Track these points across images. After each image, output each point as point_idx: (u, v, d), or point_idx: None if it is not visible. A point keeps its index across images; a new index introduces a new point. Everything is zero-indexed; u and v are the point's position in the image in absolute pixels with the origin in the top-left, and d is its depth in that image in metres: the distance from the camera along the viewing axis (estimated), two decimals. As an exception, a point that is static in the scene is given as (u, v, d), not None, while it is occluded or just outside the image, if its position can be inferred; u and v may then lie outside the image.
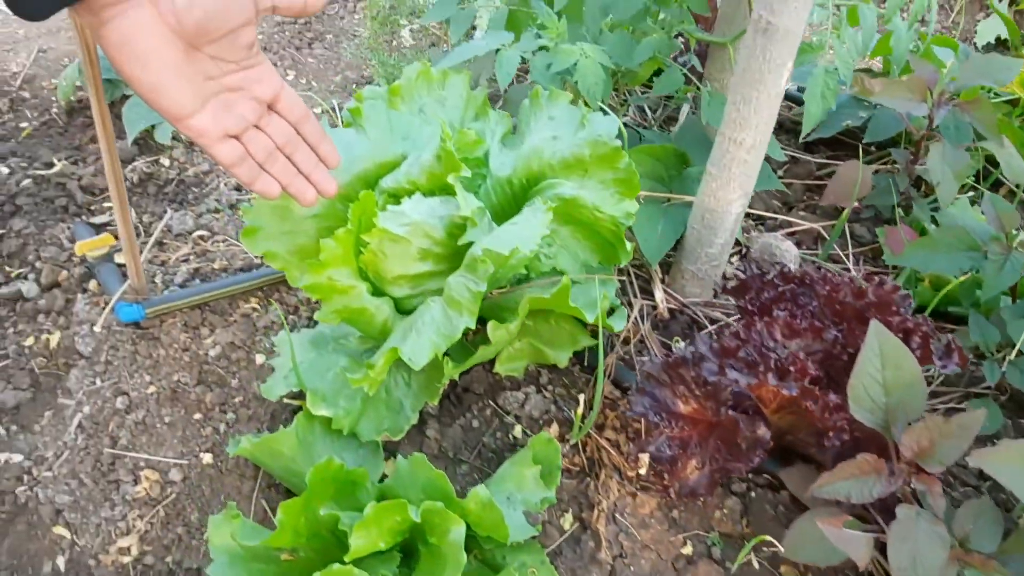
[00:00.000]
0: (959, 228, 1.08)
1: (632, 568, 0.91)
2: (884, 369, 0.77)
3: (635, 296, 1.22)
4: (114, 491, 1.04)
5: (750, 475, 0.98)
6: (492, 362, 1.07)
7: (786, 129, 1.68)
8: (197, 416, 1.10)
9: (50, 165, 1.47)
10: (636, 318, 1.17)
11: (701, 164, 1.33)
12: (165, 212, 1.39)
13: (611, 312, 1.05)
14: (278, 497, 1.03)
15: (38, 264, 1.26)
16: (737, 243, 1.34)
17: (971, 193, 1.45)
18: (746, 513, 0.94)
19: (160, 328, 1.16)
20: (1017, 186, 1.35)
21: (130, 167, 1.50)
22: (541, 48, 1.22)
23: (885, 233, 1.32)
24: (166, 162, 1.55)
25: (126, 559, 1.00)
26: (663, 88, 1.28)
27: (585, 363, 1.12)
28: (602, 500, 0.95)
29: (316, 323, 1.22)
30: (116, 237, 1.31)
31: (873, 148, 1.58)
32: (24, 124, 1.66)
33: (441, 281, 1.04)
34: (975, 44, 2.18)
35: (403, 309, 1.06)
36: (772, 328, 0.85)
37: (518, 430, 1.02)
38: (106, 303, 1.19)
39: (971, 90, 1.29)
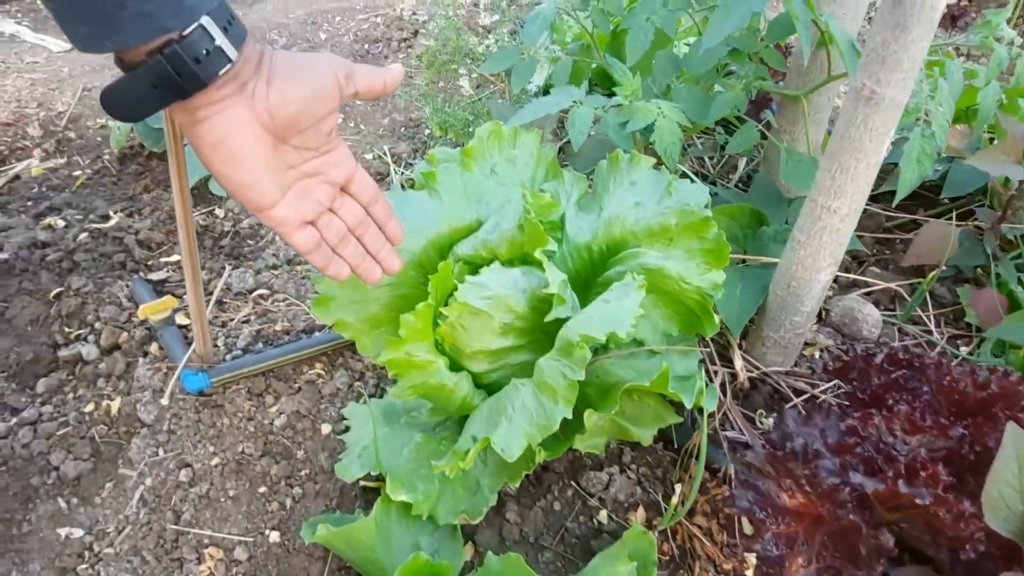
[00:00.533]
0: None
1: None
2: (1021, 475, 0.71)
3: (713, 363, 1.17)
4: (177, 570, 1.00)
5: (850, 566, 0.92)
6: (571, 437, 1.02)
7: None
8: (262, 490, 1.06)
9: (106, 218, 1.45)
10: (717, 388, 1.11)
11: (777, 222, 1.29)
12: (223, 269, 1.36)
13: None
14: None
15: (97, 325, 1.24)
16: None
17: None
18: (850, 610, 0.88)
19: (223, 395, 1.13)
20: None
21: (186, 219, 1.47)
22: (616, 105, 1.18)
23: (970, 296, 1.26)
24: (220, 213, 1.53)
25: (190, 644, 0.95)
26: (738, 145, 1.24)
27: (673, 440, 1.06)
28: (695, 593, 0.90)
29: (383, 390, 1.18)
30: (176, 296, 1.28)
31: (946, 200, 1.53)
32: (77, 172, 1.65)
33: (522, 356, 1.00)
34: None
35: (481, 383, 1.01)
36: (892, 423, 0.79)
37: (603, 515, 0.97)
38: (168, 368, 1.16)
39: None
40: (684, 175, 1.21)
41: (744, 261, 1.22)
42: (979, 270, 1.34)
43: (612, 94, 1.89)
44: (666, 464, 1.03)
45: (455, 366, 1.00)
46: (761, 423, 1.08)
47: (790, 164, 1.22)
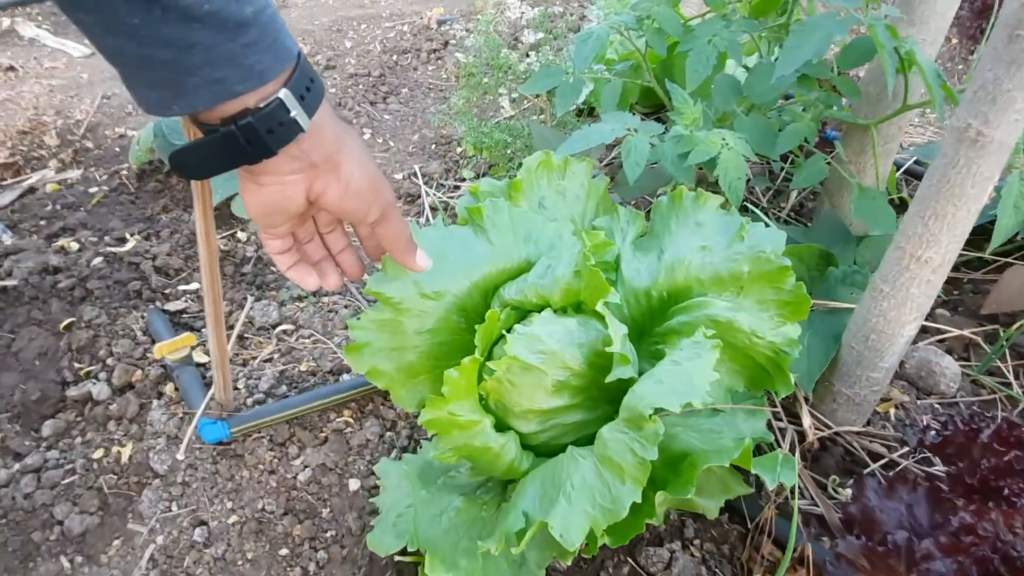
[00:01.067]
0: None
1: None
2: None
3: (778, 418, 1.06)
4: (190, 640, 0.91)
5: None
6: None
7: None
8: (283, 552, 0.97)
9: (122, 241, 1.37)
10: (786, 448, 1.01)
11: (845, 262, 1.19)
12: (245, 300, 1.27)
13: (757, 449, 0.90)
14: (378, 660, 0.89)
15: (109, 361, 1.15)
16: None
17: None
18: None
19: (243, 444, 1.04)
20: None
21: (205, 244, 1.39)
22: (676, 136, 1.09)
23: (1057, 347, 1.15)
24: (243, 236, 1.44)
25: None
26: (805, 180, 1.14)
27: (741, 512, 0.96)
28: None
29: (417, 442, 1.08)
30: (194, 329, 1.20)
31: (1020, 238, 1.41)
32: (93, 189, 1.57)
33: (575, 416, 0.90)
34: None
35: (529, 444, 0.92)
36: (1012, 519, 0.69)
37: (665, 599, 0.87)
38: (184, 412, 1.07)
39: None
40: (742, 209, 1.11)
41: (812, 307, 1.12)
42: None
43: (658, 117, 1.80)
44: (733, 540, 0.93)
45: (501, 425, 0.90)
46: (835, 491, 0.98)
47: (862, 201, 1.11)
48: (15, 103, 2.02)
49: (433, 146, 1.82)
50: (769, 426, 1.06)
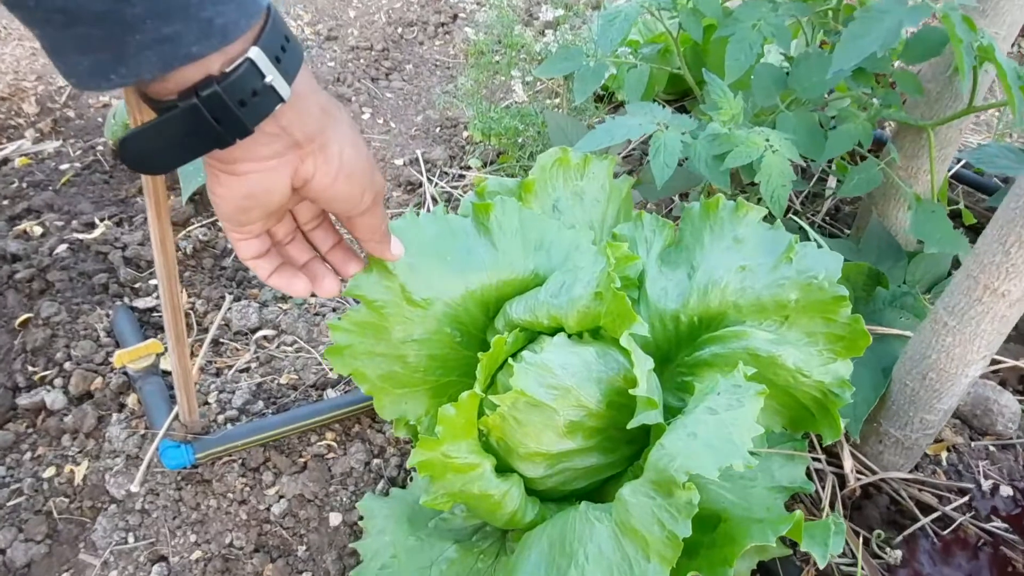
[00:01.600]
0: None
1: None
2: None
3: (815, 456, 0.94)
4: None
5: None
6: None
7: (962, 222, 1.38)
8: (253, 594, 0.86)
9: (91, 226, 1.24)
10: (825, 495, 0.89)
11: (894, 280, 1.06)
12: (223, 299, 1.15)
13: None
14: None
15: (67, 365, 1.03)
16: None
17: None
18: None
19: (211, 469, 0.92)
20: None
21: (183, 233, 1.26)
22: (712, 135, 0.95)
23: None
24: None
25: None
26: (857, 188, 1.01)
27: (773, 570, 0.84)
28: None
29: (407, 473, 0.97)
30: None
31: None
32: (65, 166, 1.44)
33: (589, 460, 0.78)
34: None
35: (535, 489, 0.80)
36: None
37: (687, 676, 0.75)
38: (146, 429, 0.95)
39: None
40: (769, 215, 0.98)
41: (855, 331, 0.99)
42: None
43: (681, 105, 1.66)
44: (765, 606, 0.81)
45: (502, 466, 0.79)
46: (879, 548, 0.86)
47: (920, 215, 0.98)
48: (-9, 67, 1.88)
49: (438, 129, 1.68)
50: (808, 470, 0.94)
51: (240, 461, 0.93)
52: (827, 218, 1.41)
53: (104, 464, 0.93)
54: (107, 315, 1.09)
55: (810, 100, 1.06)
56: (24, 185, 1.37)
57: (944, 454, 0.97)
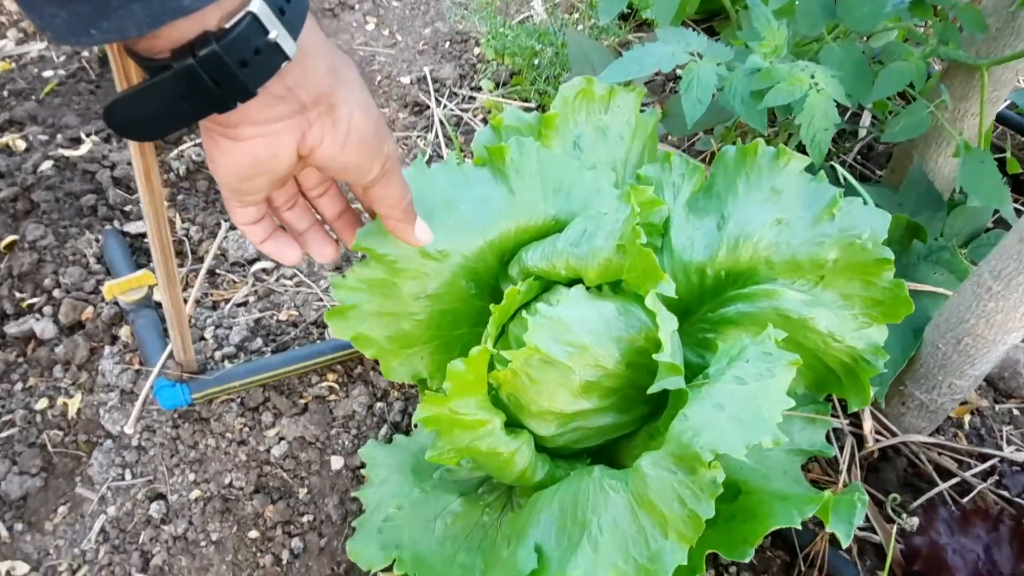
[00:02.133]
0: None
1: None
2: None
3: (833, 414, 0.91)
4: (145, 628, 0.80)
5: None
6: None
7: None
8: (253, 535, 0.84)
9: (77, 142, 1.17)
10: (842, 456, 0.87)
11: (932, 234, 1.00)
12: (218, 226, 1.08)
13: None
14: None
15: (56, 293, 0.98)
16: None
17: None
18: None
19: (209, 408, 0.89)
20: None
21: (175, 152, 1.18)
22: (752, 69, 0.86)
23: None
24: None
25: None
26: (903, 133, 0.93)
27: (790, 538, 0.82)
28: None
29: (411, 416, 0.94)
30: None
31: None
32: (48, 73, 1.34)
33: (603, 419, 0.75)
34: None
35: (545, 447, 0.77)
36: None
37: (692, 637, 0.75)
38: (140, 362, 0.92)
39: None
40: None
41: (885, 287, 0.94)
42: None
43: (710, 27, 1.54)
44: (776, 571, 0.80)
45: (512, 421, 0.75)
46: (893, 512, 0.84)
47: (969, 165, 0.91)
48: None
49: (447, 44, 1.56)
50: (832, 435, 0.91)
51: (239, 400, 0.90)
52: (859, 157, 1.33)
53: (98, 398, 0.90)
54: (96, 240, 1.04)
55: (857, 32, 0.96)
56: (5, 94, 1.28)
57: (967, 417, 0.94)
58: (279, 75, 0.43)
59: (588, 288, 0.75)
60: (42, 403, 0.91)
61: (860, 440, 0.90)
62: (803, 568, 0.78)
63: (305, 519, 0.85)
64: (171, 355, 0.86)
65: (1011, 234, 0.77)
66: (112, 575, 0.82)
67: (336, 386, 0.92)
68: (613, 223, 0.72)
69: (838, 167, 0.89)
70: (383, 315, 0.78)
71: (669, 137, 1.29)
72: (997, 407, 0.95)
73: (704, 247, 0.80)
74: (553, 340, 0.70)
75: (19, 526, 0.85)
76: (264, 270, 1.03)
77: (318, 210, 0.61)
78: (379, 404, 0.92)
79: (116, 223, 1.08)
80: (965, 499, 0.85)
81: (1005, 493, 0.85)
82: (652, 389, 0.66)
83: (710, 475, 0.57)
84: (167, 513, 0.85)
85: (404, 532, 0.74)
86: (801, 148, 0.92)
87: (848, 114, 1.36)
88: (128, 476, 0.86)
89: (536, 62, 1.29)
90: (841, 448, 0.88)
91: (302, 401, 0.91)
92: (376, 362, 0.95)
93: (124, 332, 0.95)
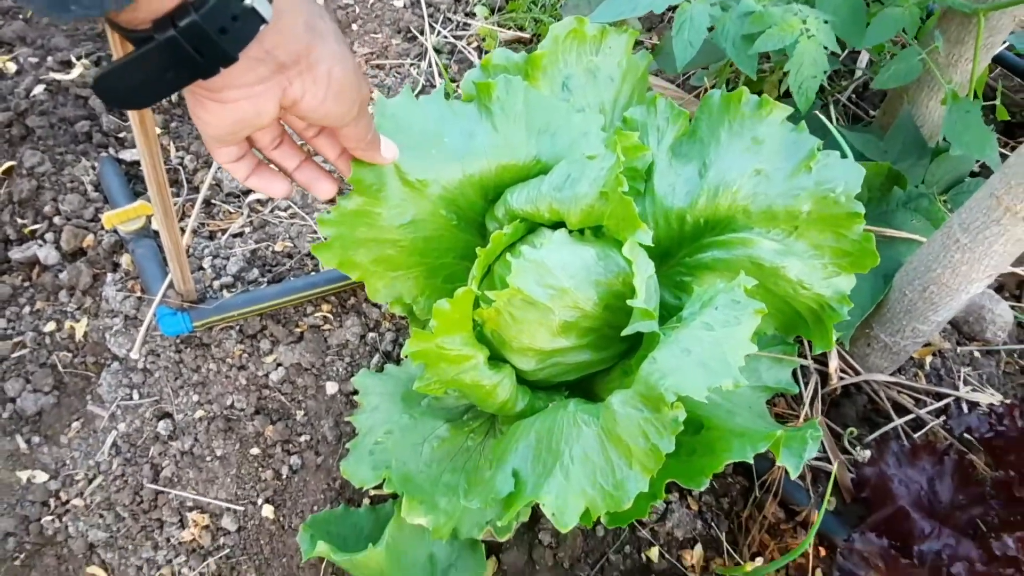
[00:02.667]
0: None
1: None
2: None
3: (800, 354, 0.96)
4: (157, 531, 0.88)
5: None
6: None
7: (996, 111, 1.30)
8: (254, 452, 0.91)
9: (67, 65, 1.16)
10: (804, 393, 0.92)
11: (913, 179, 1.02)
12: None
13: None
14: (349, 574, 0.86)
15: (56, 220, 1.01)
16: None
17: None
18: None
19: (210, 334, 0.94)
20: None
21: (168, 77, 1.18)
22: (744, 12, 0.86)
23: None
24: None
25: (172, 612, 0.85)
26: (893, 80, 0.94)
27: (748, 467, 0.89)
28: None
29: (402, 346, 0.98)
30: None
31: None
32: (33, -12, 1.31)
33: (580, 356, 0.80)
34: None
35: (526, 380, 0.82)
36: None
37: (654, 552, 0.82)
38: (142, 290, 0.95)
39: None
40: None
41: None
42: None
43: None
44: (735, 494, 0.87)
45: (496, 355, 0.80)
46: (850, 445, 0.91)
47: (954, 114, 0.92)
48: None
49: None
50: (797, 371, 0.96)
51: (238, 328, 0.94)
52: (854, 96, 1.33)
53: (103, 323, 0.95)
54: (93, 167, 1.05)
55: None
56: (-8, 10, 1.26)
57: (929, 358, 0.99)
58: (258, 39, 0.45)
59: (571, 232, 0.78)
60: (50, 326, 0.96)
61: (825, 378, 0.95)
62: (759, 494, 0.85)
63: (303, 439, 0.91)
64: (171, 285, 0.89)
65: (983, 188, 0.80)
66: (126, 484, 0.89)
67: (330, 316, 0.97)
68: (597, 170, 0.74)
69: (821, 116, 0.90)
70: (367, 241, 0.81)
71: (660, 73, 1.28)
72: (959, 349, 1.01)
73: (685, 194, 0.82)
74: (535, 282, 0.73)
75: (36, 439, 0.91)
76: (259, 201, 1.06)
77: (318, 151, 0.63)
78: (371, 334, 0.96)
79: (111, 150, 1.09)
80: (918, 434, 0.91)
81: (968, 434, 0.91)
82: (626, 332, 0.70)
83: (672, 414, 0.62)
84: (174, 430, 0.91)
85: (393, 454, 0.80)
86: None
87: (846, 52, 1.35)
88: (136, 396, 0.92)
89: (532, -11, 1.27)
90: (807, 385, 0.94)
91: (298, 330, 0.95)
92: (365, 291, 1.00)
93: (125, 260, 0.98)
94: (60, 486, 0.90)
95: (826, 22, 0.87)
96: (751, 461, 0.65)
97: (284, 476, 0.90)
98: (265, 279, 0.98)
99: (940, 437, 0.91)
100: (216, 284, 0.96)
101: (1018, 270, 1.10)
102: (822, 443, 0.90)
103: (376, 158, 0.65)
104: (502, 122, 0.81)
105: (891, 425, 0.91)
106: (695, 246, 0.83)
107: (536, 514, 0.85)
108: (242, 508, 0.89)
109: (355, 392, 0.91)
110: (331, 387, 0.94)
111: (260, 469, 0.90)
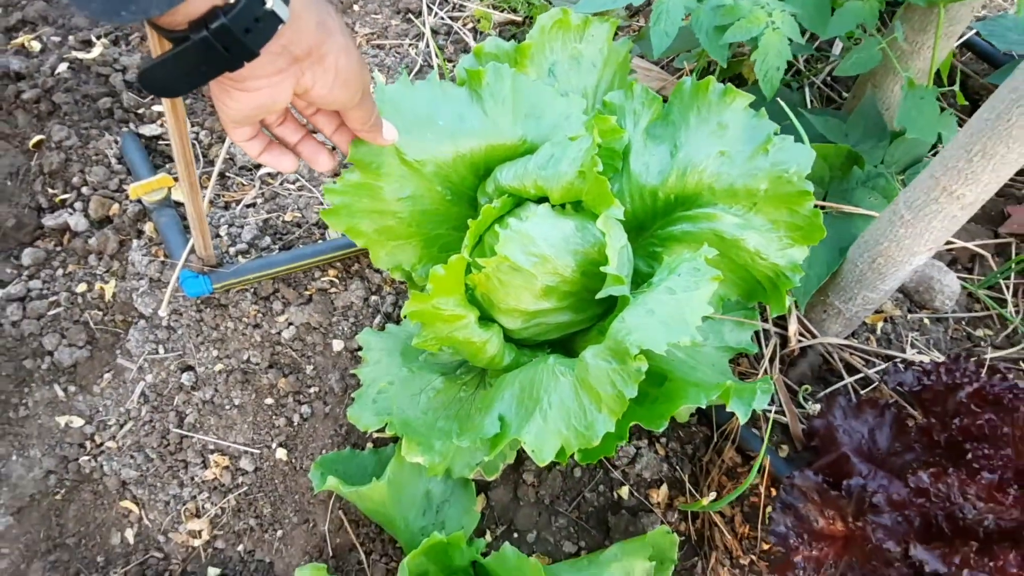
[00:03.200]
0: None
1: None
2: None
3: (763, 319, 1.06)
4: (182, 471, 0.98)
5: None
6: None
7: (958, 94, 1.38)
8: (269, 401, 1.01)
9: (88, 44, 1.24)
10: (765, 352, 1.02)
11: (872, 161, 1.11)
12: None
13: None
14: (355, 507, 0.97)
15: (84, 190, 1.10)
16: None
17: None
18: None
19: (227, 295, 1.03)
20: None
21: (182, 56, 1.26)
22: (716, 5, 0.94)
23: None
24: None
25: (196, 542, 0.96)
26: (854, 67, 1.02)
27: (710, 416, 0.99)
28: (705, 578, 0.89)
29: (401, 308, 1.08)
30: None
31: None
32: (52, -34, 1.38)
33: (561, 317, 0.89)
34: None
35: (512, 338, 0.92)
36: (967, 486, 0.71)
37: (624, 491, 0.93)
38: (165, 256, 1.05)
39: None
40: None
41: (824, 208, 1.06)
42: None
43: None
44: (698, 442, 0.97)
45: (485, 315, 0.90)
46: (804, 400, 1.01)
47: (910, 102, 1.01)
48: None
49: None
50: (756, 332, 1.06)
51: (252, 290, 1.03)
52: (828, 78, 1.41)
53: (130, 285, 1.04)
54: (115, 141, 1.14)
55: (825, -34, 1.02)
56: (14, -11, 1.33)
57: (880, 324, 1.09)
58: (276, 36, 0.53)
59: (553, 207, 0.87)
60: (82, 287, 1.05)
61: (785, 340, 1.05)
62: (718, 441, 0.95)
63: (312, 390, 1.02)
64: (193, 250, 0.99)
65: (925, 170, 0.89)
66: (154, 429, 0.99)
67: (336, 280, 1.06)
68: (576, 151, 0.83)
69: (782, 102, 0.98)
70: (371, 212, 0.90)
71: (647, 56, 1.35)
72: (910, 316, 1.10)
73: (658, 172, 0.91)
74: (520, 251, 0.82)
75: (72, 388, 1.02)
76: (269, 175, 1.14)
77: (317, 127, 0.72)
78: (374, 297, 1.06)
79: (132, 125, 1.17)
80: (864, 391, 1.01)
81: (900, 388, 1.01)
82: (600, 295, 0.80)
83: (636, 365, 0.71)
84: (196, 382, 1.01)
85: (394, 403, 0.90)
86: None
87: (818, 40, 1.42)
88: (161, 351, 1.02)
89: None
90: (768, 346, 1.04)
91: (307, 292, 1.05)
92: (371, 263, 1.09)
93: (148, 227, 1.07)
94: (95, 430, 1.00)
95: (792, 15, 0.95)
96: (704, 406, 0.75)
97: (295, 423, 1.00)
98: (276, 246, 1.07)
99: (885, 394, 1.01)
100: (232, 250, 1.05)
101: (969, 245, 1.20)
102: (779, 397, 1.00)
103: (378, 139, 0.73)
104: (491, 107, 0.90)
105: (842, 383, 1.01)
106: (666, 220, 0.92)
107: (520, 456, 0.96)
108: (258, 451, 0.99)
109: (359, 348, 1.01)
110: (337, 344, 1.03)
111: (274, 417, 1.01)
